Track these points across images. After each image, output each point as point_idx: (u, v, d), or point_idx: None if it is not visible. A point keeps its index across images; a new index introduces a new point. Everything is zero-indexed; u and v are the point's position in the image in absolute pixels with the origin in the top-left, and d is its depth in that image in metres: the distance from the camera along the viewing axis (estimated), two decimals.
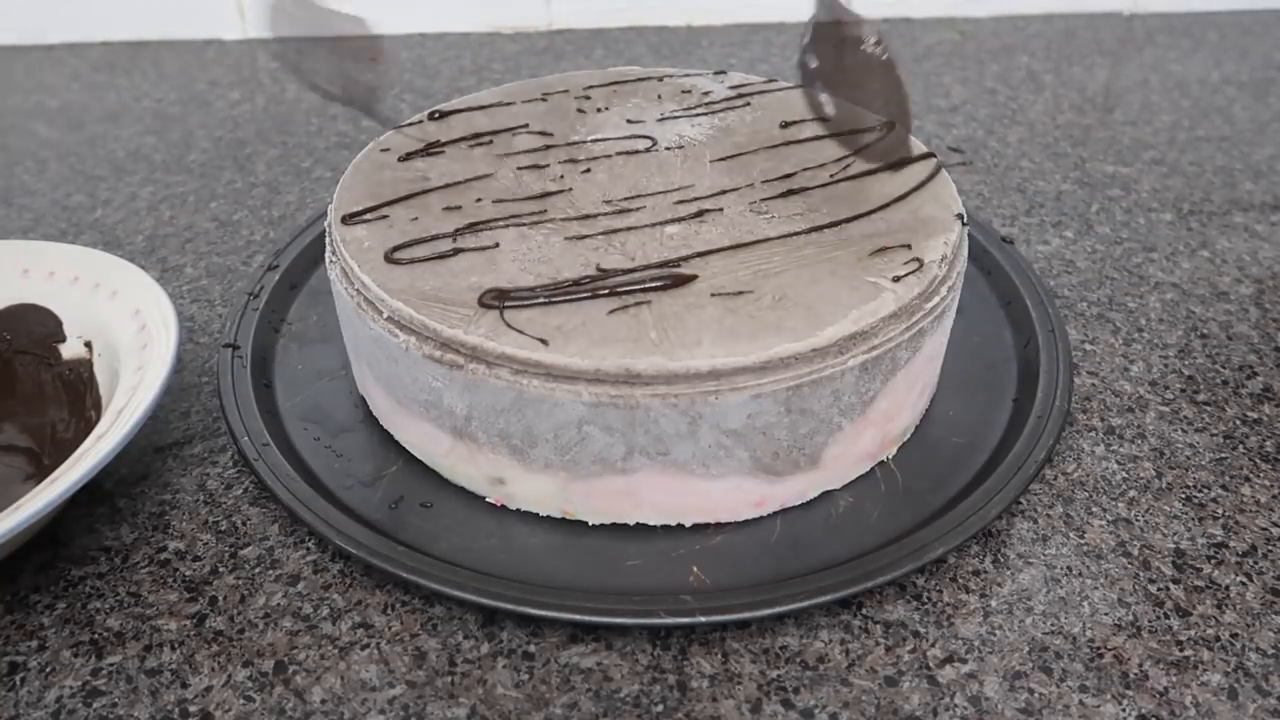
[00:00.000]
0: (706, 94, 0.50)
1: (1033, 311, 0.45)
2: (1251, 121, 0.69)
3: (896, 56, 0.40)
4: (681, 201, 0.41)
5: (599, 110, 0.49)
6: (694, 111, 0.48)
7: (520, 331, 0.34)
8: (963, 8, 0.86)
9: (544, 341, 0.34)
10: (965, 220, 0.40)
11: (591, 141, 0.46)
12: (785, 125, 0.47)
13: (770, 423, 0.35)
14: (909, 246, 0.38)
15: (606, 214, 0.40)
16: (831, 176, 0.43)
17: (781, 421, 0.35)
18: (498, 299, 0.35)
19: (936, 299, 0.37)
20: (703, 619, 0.32)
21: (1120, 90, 0.73)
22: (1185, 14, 0.86)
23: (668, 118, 0.48)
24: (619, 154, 0.45)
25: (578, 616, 0.33)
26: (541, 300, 0.35)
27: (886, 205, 0.41)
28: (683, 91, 0.50)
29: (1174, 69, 0.77)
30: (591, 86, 0.51)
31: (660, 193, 0.42)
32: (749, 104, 0.49)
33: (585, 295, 0.36)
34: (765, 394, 0.34)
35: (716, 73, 0.53)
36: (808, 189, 0.42)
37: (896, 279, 0.37)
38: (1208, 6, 0.87)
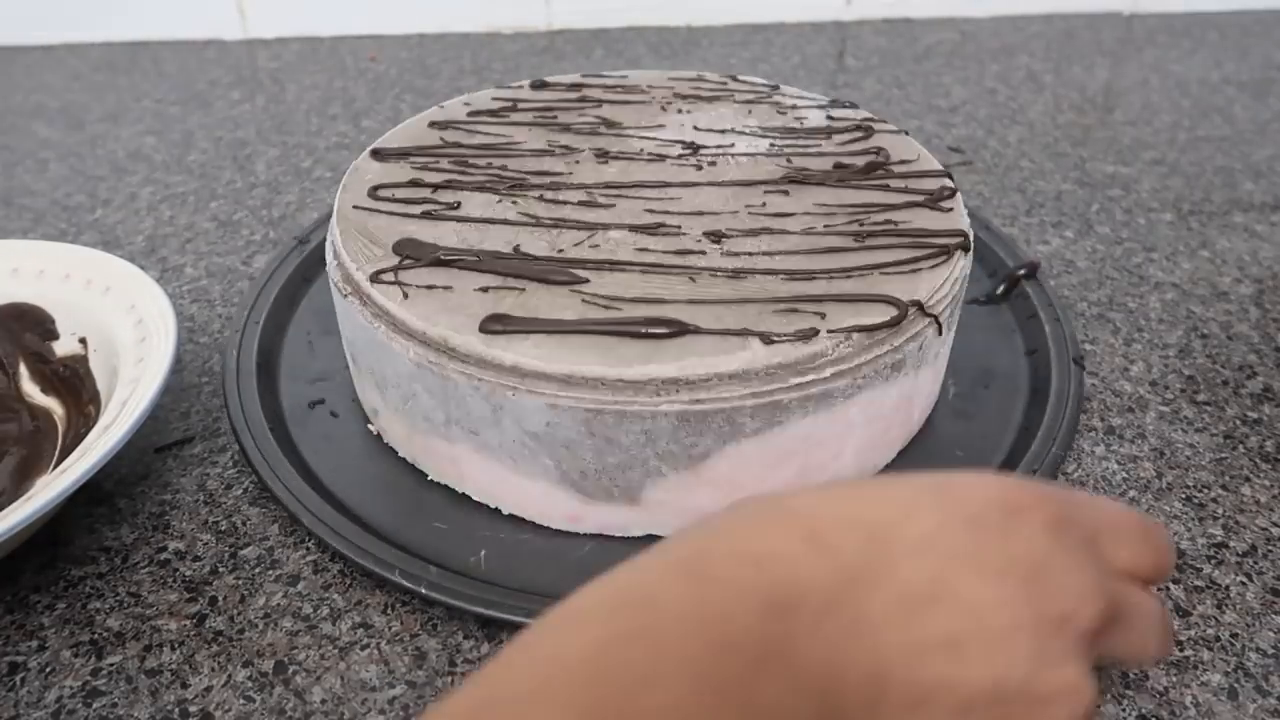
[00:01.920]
0: (801, 119, 0.47)
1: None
2: (1251, 121, 0.69)
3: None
4: (651, 211, 0.40)
5: (679, 111, 0.47)
6: (768, 134, 0.46)
7: (390, 282, 0.36)
8: (963, 8, 0.86)
9: (405, 295, 0.35)
10: (902, 316, 0.35)
11: (640, 137, 0.45)
12: (838, 166, 0.43)
13: (572, 439, 0.34)
14: (822, 316, 0.34)
15: (574, 204, 0.40)
16: (860, 224, 0.39)
17: (585, 442, 0.34)
18: (410, 251, 0.38)
19: (805, 378, 0.33)
20: None
21: (1120, 90, 0.73)
22: (1185, 14, 0.86)
23: (733, 132, 0.46)
24: (650, 154, 0.44)
25: None
26: (435, 262, 0.37)
27: (845, 270, 0.36)
28: (778, 112, 0.48)
29: (1174, 69, 0.77)
30: (702, 86, 0.50)
31: (643, 198, 0.41)
32: (830, 138, 0.45)
33: (470, 267, 0.37)
34: (563, 407, 0.33)
35: (838, 103, 0.49)
36: (787, 233, 0.38)
37: (769, 341, 0.33)
38: (1208, 6, 0.87)
